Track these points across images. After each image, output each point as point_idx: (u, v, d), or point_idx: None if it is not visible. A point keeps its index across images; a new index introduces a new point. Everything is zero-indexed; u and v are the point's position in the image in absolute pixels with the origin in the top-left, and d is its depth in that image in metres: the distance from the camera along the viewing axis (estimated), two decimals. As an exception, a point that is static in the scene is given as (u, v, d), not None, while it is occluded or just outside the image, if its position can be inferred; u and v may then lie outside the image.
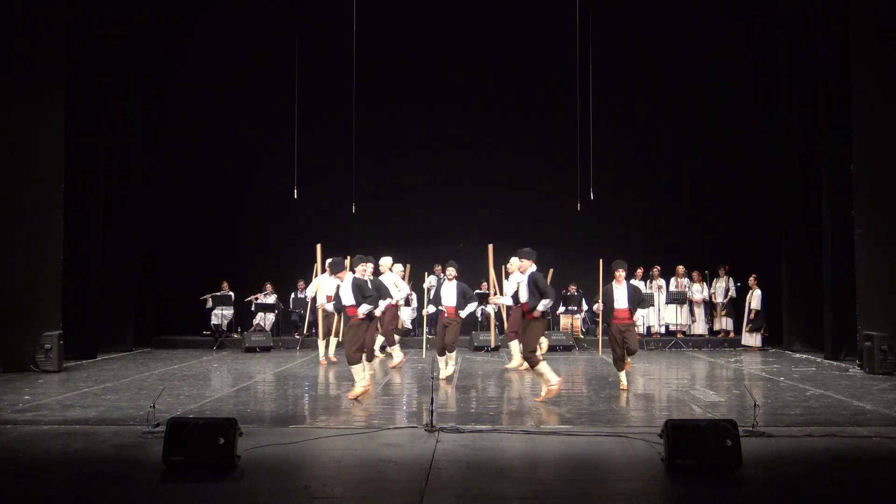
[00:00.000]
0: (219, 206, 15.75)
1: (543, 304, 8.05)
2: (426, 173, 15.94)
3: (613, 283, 8.99)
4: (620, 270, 8.96)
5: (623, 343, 8.90)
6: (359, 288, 8.29)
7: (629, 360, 9.27)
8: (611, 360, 9.58)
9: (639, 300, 9.03)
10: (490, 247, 10.01)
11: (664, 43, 15.01)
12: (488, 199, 15.94)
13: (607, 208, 14.96)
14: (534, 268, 8.27)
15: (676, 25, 14.96)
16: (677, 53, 15.01)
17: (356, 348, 8.26)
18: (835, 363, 11.64)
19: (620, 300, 8.89)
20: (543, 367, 8.05)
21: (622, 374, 9.07)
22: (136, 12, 13.69)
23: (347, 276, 8.47)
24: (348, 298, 8.38)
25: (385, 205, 15.80)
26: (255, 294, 14.95)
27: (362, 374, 8.30)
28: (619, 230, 15.56)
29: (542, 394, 8.19)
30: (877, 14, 11.00)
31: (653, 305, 14.65)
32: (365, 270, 9.06)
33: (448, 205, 15.90)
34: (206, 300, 14.63)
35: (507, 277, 14.32)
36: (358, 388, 8.27)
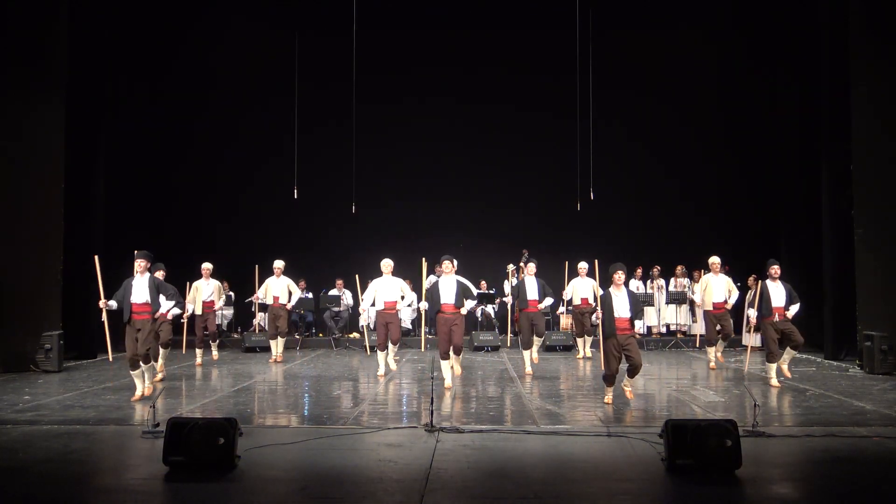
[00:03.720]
0: (219, 206, 15.76)
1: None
2: (426, 173, 15.96)
3: (612, 288, 7.96)
4: (619, 273, 7.93)
5: (626, 358, 7.85)
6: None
7: (628, 387, 8.10)
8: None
9: (639, 309, 7.99)
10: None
11: (664, 44, 15.03)
12: (489, 198, 15.95)
13: (607, 208, 14.97)
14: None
15: (677, 25, 14.97)
16: (677, 54, 15.04)
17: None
18: (835, 363, 11.65)
19: (621, 308, 7.83)
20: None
21: (610, 390, 8.11)
22: (136, 11, 13.71)
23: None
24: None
25: (385, 204, 15.81)
26: (255, 294, 14.93)
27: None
28: (620, 230, 15.57)
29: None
30: (877, 13, 11.01)
31: (652, 305, 14.64)
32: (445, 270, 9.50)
33: (448, 204, 15.92)
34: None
35: (508, 278, 14.36)
36: None
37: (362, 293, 11.80)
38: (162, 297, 8.54)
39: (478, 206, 15.94)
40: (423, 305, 9.90)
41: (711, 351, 11.24)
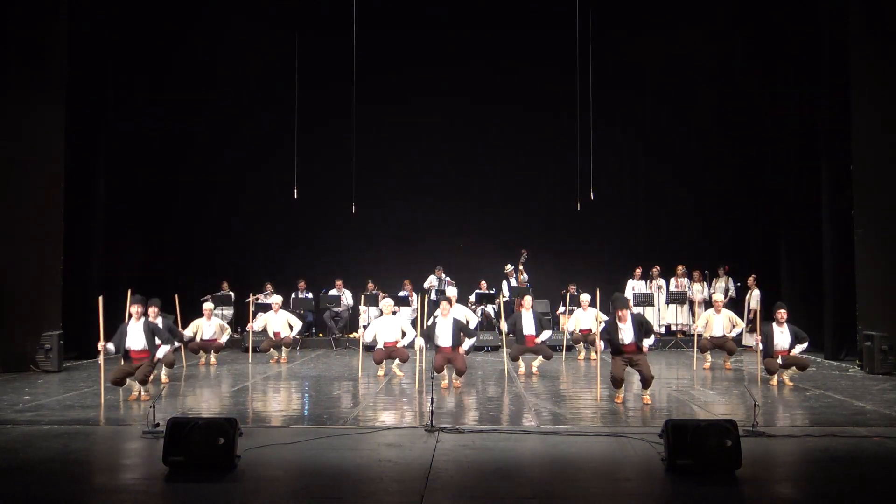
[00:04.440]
0: (219, 207, 15.77)
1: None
2: (426, 173, 15.96)
3: (618, 320, 8.13)
4: (623, 311, 8.10)
5: (637, 370, 8.13)
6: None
7: (646, 394, 8.18)
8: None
9: (646, 331, 8.17)
10: None
11: (664, 44, 15.03)
12: (489, 198, 15.95)
13: (607, 208, 14.96)
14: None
15: (677, 25, 14.97)
16: (677, 53, 15.04)
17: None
18: (835, 363, 11.65)
19: (626, 337, 8.10)
20: None
21: (619, 390, 8.29)
22: (136, 12, 13.71)
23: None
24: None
25: (385, 204, 15.81)
26: (255, 294, 14.95)
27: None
28: (620, 230, 15.57)
29: None
30: (877, 13, 11.01)
31: (652, 305, 14.64)
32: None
33: (448, 204, 15.92)
34: (206, 300, 14.61)
35: (506, 279, 14.34)
36: None
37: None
38: (157, 339, 8.55)
39: (478, 206, 15.93)
40: (420, 342, 9.67)
41: (706, 354, 11.33)
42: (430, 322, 9.81)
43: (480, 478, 5.25)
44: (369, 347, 10.65)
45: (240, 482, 5.15)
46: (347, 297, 15.17)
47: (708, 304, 14.95)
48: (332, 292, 15.13)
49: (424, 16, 15.16)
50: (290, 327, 12.31)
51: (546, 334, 10.42)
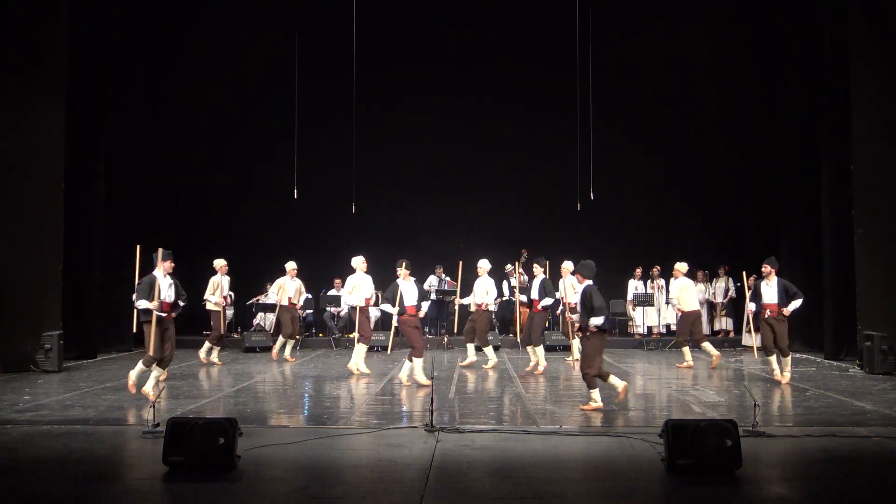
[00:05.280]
0: (218, 207, 15.77)
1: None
2: (426, 173, 15.97)
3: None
4: (578, 276, 7.96)
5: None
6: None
7: (591, 402, 7.80)
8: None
9: (592, 307, 7.53)
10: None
11: (664, 44, 15.03)
12: (489, 198, 15.95)
13: (607, 208, 14.97)
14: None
15: (677, 25, 14.98)
16: (677, 53, 15.04)
17: None
18: (835, 363, 11.65)
19: (579, 307, 7.86)
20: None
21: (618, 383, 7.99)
22: (136, 12, 13.71)
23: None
24: None
25: (385, 204, 15.81)
26: (255, 295, 14.96)
27: None
28: (620, 230, 15.56)
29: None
30: (877, 13, 11.01)
31: (652, 305, 14.65)
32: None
33: (448, 204, 15.93)
34: (206, 301, 14.60)
35: (506, 279, 14.34)
36: None
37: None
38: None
39: (478, 206, 15.94)
40: (392, 308, 9.53)
41: (707, 347, 11.53)
42: (391, 287, 9.71)
43: (480, 478, 5.25)
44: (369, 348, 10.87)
45: (240, 482, 5.15)
46: (347, 297, 15.17)
47: (710, 304, 15.00)
48: (332, 292, 15.13)
49: (424, 16, 15.16)
50: (300, 295, 12.66)
51: (548, 301, 10.92)
